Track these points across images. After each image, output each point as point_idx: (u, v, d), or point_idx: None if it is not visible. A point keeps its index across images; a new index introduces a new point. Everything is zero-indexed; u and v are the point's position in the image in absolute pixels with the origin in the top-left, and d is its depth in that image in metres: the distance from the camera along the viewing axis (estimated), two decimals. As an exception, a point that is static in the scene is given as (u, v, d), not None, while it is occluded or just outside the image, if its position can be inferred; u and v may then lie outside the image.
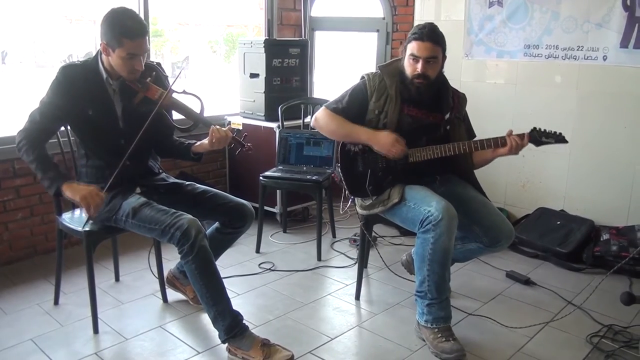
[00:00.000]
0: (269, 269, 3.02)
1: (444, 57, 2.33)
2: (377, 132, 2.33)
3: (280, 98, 3.54)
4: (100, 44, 2.10)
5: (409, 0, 4.24)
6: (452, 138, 2.37)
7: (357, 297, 2.70)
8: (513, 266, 3.08)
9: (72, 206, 2.41)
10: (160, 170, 2.46)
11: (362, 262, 2.75)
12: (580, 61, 3.37)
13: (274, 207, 3.62)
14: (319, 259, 3.17)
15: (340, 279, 2.93)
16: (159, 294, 2.64)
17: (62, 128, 2.33)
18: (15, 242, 3.03)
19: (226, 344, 2.15)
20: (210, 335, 2.29)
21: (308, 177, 3.17)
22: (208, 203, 2.37)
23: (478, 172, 2.51)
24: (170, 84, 2.27)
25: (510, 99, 3.72)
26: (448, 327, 2.24)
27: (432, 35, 2.25)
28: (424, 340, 2.27)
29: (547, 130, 2.30)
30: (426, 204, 2.20)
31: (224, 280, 2.16)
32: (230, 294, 2.17)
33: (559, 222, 3.38)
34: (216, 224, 2.47)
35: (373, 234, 3.16)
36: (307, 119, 3.46)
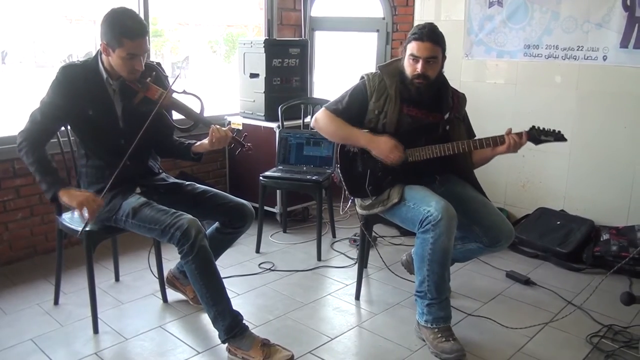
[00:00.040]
0: (269, 269, 3.02)
1: (444, 57, 2.33)
2: (376, 137, 2.33)
3: (280, 98, 3.54)
4: (100, 44, 2.10)
5: (409, 0, 4.24)
6: (452, 138, 2.36)
7: (357, 297, 2.70)
8: (513, 266, 3.08)
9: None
10: (160, 170, 2.46)
11: (362, 262, 2.75)
12: (580, 61, 3.37)
13: (274, 207, 3.62)
14: (319, 259, 3.17)
15: (340, 279, 2.93)
16: (159, 294, 2.64)
17: (62, 128, 2.33)
18: (15, 242, 3.03)
19: (226, 344, 2.15)
20: (210, 335, 2.29)
21: (308, 177, 3.17)
22: (208, 203, 2.37)
23: (478, 172, 2.51)
24: (170, 84, 2.27)
25: (510, 99, 3.72)
26: (448, 327, 2.24)
27: (432, 36, 2.25)
28: (424, 340, 2.27)
29: (546, 129, 2.30)
30: (426, 204, 2.20)
31: (224, 280, 2.16)
32: (230, 294, 2.17)
33: (559, 222, 3.38)
34: (216, 224, 2.47)
35: (373, 234, 3.16)
36: (307, 119, 3.46)
